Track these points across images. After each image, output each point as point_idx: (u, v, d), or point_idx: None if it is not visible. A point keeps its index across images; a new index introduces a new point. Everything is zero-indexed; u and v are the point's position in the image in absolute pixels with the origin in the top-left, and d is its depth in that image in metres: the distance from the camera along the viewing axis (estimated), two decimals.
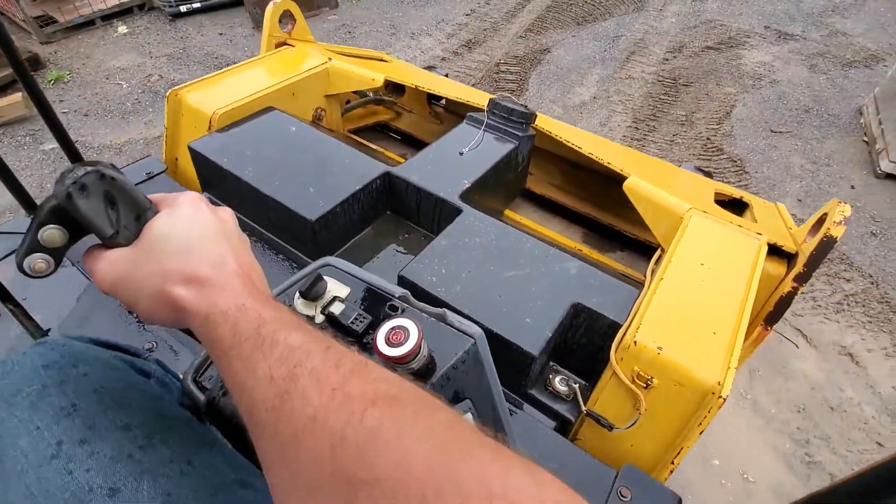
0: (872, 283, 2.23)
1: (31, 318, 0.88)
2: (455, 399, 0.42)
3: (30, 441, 0.35)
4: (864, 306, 2.13)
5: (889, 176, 2.74)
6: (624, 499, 0.65)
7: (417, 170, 1.07)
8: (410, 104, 1.77)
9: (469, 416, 0.43)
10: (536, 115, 1.25)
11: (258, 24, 3.44)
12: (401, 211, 1.11)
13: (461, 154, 1.14)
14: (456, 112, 1.74)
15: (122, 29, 3.64)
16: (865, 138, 2.98)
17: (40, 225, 0.34)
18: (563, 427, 0.80)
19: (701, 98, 3.27)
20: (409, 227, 1.10)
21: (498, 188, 1.20)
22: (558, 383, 0.82)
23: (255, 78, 1.24)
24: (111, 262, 0.34)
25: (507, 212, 1.34)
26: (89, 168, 0.33)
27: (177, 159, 1.20)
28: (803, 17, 4.26)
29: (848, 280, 2.21)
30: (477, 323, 0.76)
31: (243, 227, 1.00)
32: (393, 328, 0.37)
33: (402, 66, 1.71)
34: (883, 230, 2.52)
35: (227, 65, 3.12)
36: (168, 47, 3.47)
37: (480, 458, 0.21)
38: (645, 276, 0.96)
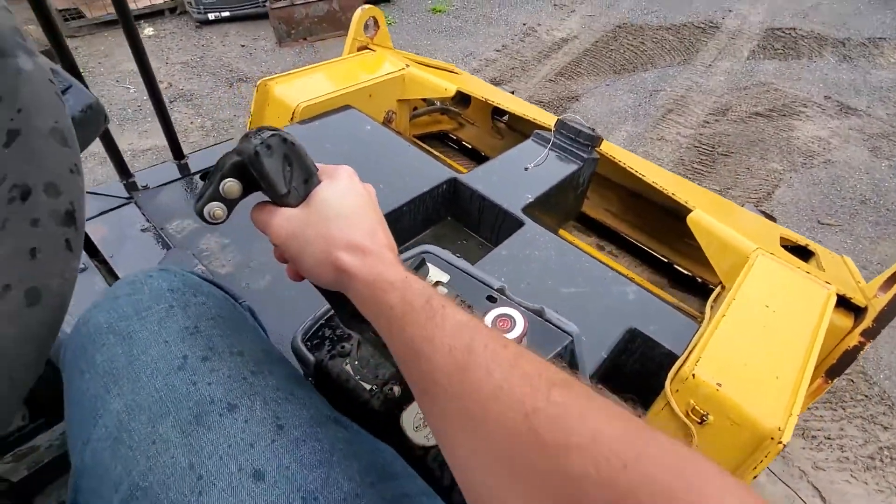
0: None
1: (115, 276, 0.95)
2: None
3: (159, 352, 0.39)
4: None
5: None
6: None
7: (483, 179, 1.09)
8: (474, 116, 1.81)
9: None
10: (603, 140, 1.26)
11: (281, 39, 3.44)
12: (461, 217, 1.13)
13: (526, 169, 1.16)
14: (517, 129, 1.76)
15: (149, 31, 3.63)
16: None
17: (223, 177, 0.37)
18: None
19: (740, 172, 2.81)
20: (468, 234, 1.13)
21: (557, 207, 1.21)
22: None
23: (337, 77, 1.31)
24: (286, 219, 0.37)
25: (562, 232, 1.34)
26: (273, 131, 0.37)
27: None
28: (870, 90, 3.65)
29: (886, 427, 1.82)
30: None
31: None
32: (500, 315, 0.39)
33: (470, 80, 1.76)
34: None
35: (241, 79, 3.17)
36: (186, 54, 3.41)
37: (663, 440, 0.22)
38: (699, 313, 0.95)
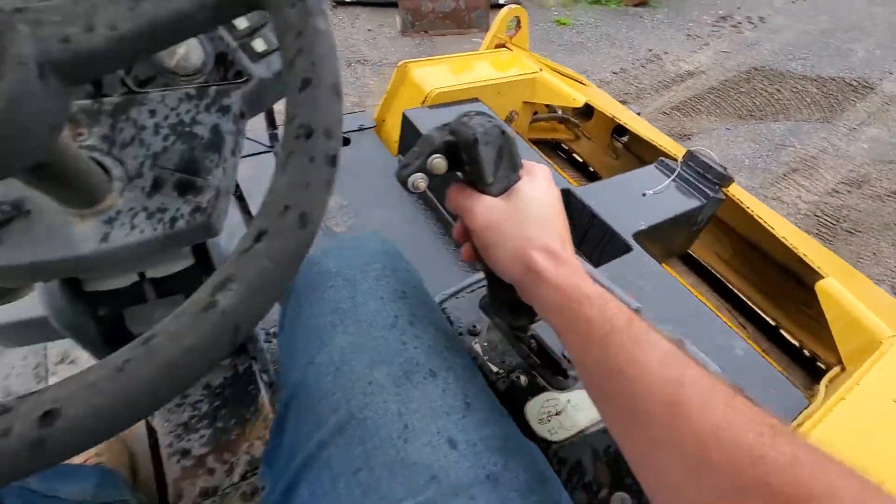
0: None
1: (249, 213, 1.06)
2: None
3: (376, 306, 0.44)
4: None
5: None
6: None
7: (597, 196, 1.07)
8: (592, 131, 1.77)
9: None
10: (733, 180, 1.18)
11: (405, 29, 3.51)
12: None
13: (644, 195, 1.11)
14: (634, 152, 1.69)
15: None
16: None
17: (433, 152, 0.38)
18: None
19: (864, 256, 2.47)
20: None
21: (667, 240, 1.16)
22: None
23: (472, 70, 1.34)
24: (488, 208, 0.38)
25: (665, 265, 1.28)
26: (492, 121, 0.39)
27: (384, 121, 1.35)
28: None
29: None
30: None
31: (431, 204, 1.11)
32: None
33: (599, 94, 1.72)
34: None
35: (359, 60, 3.25)
36: None
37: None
38: (806, 390, 0.86)
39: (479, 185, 0.39)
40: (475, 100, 1.28)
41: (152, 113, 0.38)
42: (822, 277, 0.99)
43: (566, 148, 1.78)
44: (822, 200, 2.68)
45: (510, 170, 0.39)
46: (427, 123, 1.15)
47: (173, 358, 0.19)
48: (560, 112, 1.70)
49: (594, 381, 0.33)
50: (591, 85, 1.75)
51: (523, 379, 0.46)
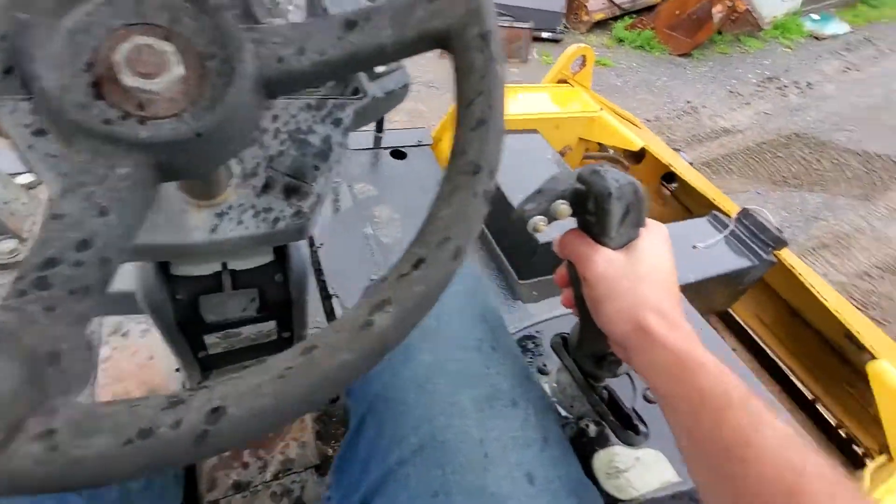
0: None
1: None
2: None
3: (461, 327, 0.44)
4: None
5: None
6: None
7: None
8: (641, 175, 1.76)
9: None
10: (787, 244, 1.16)
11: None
12: None
13: (694, 247, 1.10)
14: (682, 201, 1.68)
15: None
16: None
17: (559, 197, 0.38)
18: None
19: None
20: None
21: (711, 296, 1.14)
22: None
23: (534, 102, 1.36)
24: (607, 260, 0.38)
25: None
26: (628, 178, 0.39)
27: (441, 140, 1.37)
28: None
29: None
30: None
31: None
32: None
33: (652, 137, 1.71)
34: None
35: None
36: None
37: None
38: (856, 477, 0.82)
39: (599, 236, 0.38)
40: (534, 131, 1.29)
41: (275, 118, 0.40)
42: (872, 357, 0.96)
43: None
44: (850, 282, 2.57)
45: (633, 226, 0.39)
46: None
47: (331, 370, 0.20)
48: (612, 152, 1.71)
49: (702, 456, 0.31)
50: (645, 129, 1.75)
51: (592, 428, 0.45)
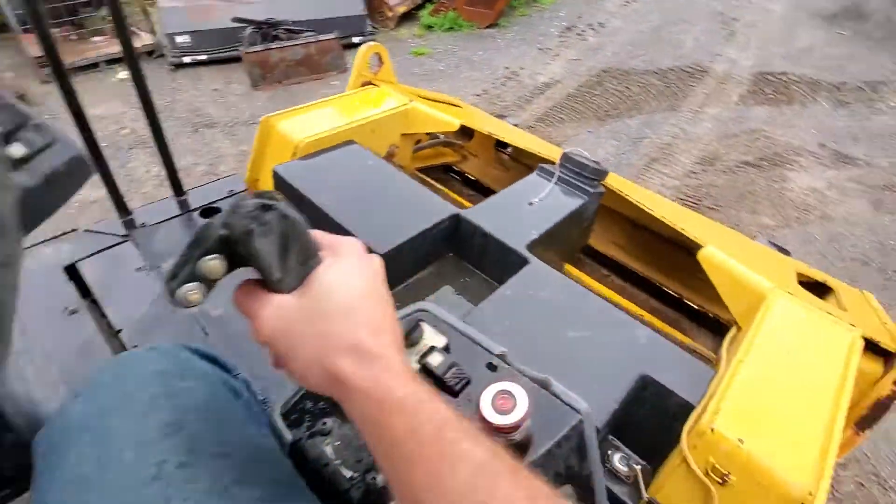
0: None
1: (105, 318, 0.92)
2: (555, 483, 0.39)
3: (135, 457, 0.35)
4: None
5: None
6: None
7: (486, 215, 1.07)
8: (477, 149, 1.81)
9: None
10: (608, 173, 1.24)
11: (255, 83, 3.34)
12: (463, 254, 1.10)
13: (531, 204, 1.13)
14: (520, 161, 1.76)
15: (122, 75, 3.41)
16: None
17: (204, 253, 0.32)
18: None
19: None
20: (471, 270, 1.09)
21: (563, 243, 1.18)
22: (618, 462, 0.76)
23: (340, 112, 1.31)
24: (277, 309, 0.32)
25: (568, 267, 1.31)
26: (270, 203, 0.32)
27: (258, 180, 1.26)
28: (869, 137, 3.37)
29: None
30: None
31: None
32: (500, 392, 0.35)
33: (474, 112, 1.76)
34: None
35: (207, 124, 3.02)
36: (157, 99, 3.10)
37: None
38: (714, 355, 0.90)
39: (268, 283, 0.33)
40: (350, 142, 1.24)
41: None
42: (700, 246, 1.06)
43: (457, 169, 1.80)
44: (683, 184, 2.92)
45: (303, 259, 0.33)
46: (301, 177, 1.09)
47: None
48: (442, 137, 1.72)
49: (402, 501, 0.28)
50: (466, 105, 1.79)
51: (380, 478, 0.40)
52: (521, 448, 0.37)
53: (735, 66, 4.22)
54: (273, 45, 3.31)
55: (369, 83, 1.49)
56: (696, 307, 1.33)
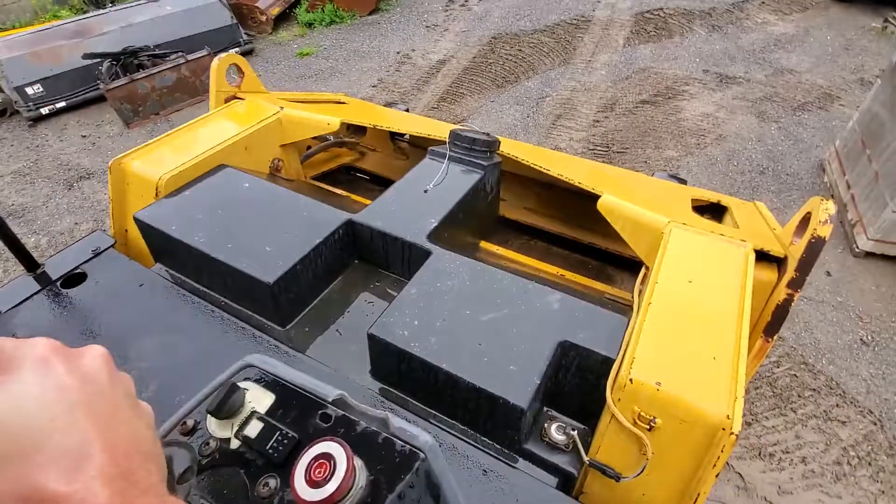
0: (876, 424, 1.58)
1: None
2: None
3: None
4: (869, 465, 1.47)
5: (869, 254, 2.17)
6: None
7: (381, 214, 1.01)
8: (373, 143, 1.73)
9: None
10: (500, 142, 1.22)
11: (127, 120, 3.06)
12: (369, 258, 1.04)
13: (425, 191, 1.08)
14: (421, 146, 1.70)
15: None
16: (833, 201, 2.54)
17: None
18: (566, 483, 0.73)
19: (638, 166, 2.75)
20: (380, 273, 1.04)
21: (469, 222, 1.15)
22: (555, 432, 0.75)
23: (204, 136, 1.19)
24: None
25: (483, 243, 1.28)
26: None
27: (126, 231, 1.13)
28: (744, 55, 3.66)
29: (843, 422, 1.60)
30: (457, 379, 0.69)
31: (202, 296, 0.93)
32: (315, 459, 0.30)
33: (360, 106, 1.68)
34: (875, 335, 1.86)
35: (83, 177, 2.77)
36: (18, 161, 2.84)
37: None
38: (633, 297, 0.91)
39: None
40: (221, 166, 1.13)
41: None
42: (600, 196, 1.06)
43: (359, 168, 1.72)
44: (589, 134, 3.03)
45: None
46: (168, 218, 0.97)
47: None
48: (332, 138, 1.63)
49: None
50: (350, 100, 1.70)
51: None
52: None
53: (615, 10, 4.38)
54: (138, 76, 3.01)
55: (234, 98, 1.37)
56: (614, 253, 1.35)
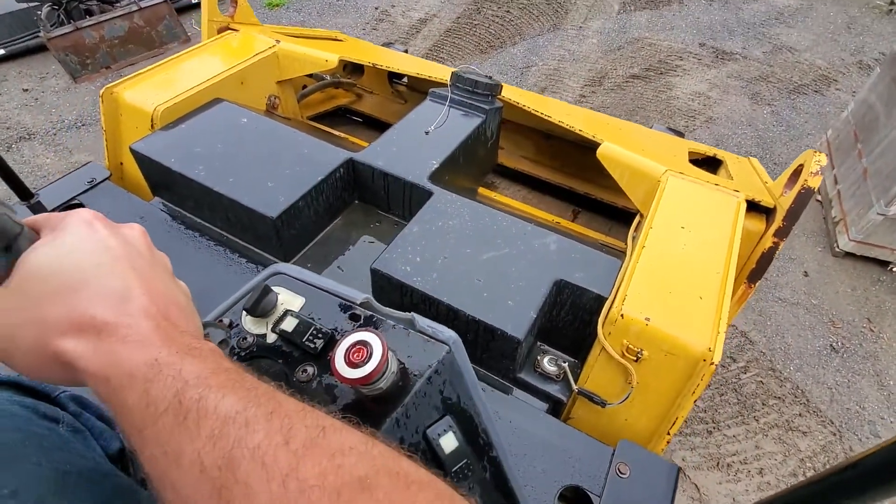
0: (835, 435, 1.57)
1: None
2: (435, 416, 0.38)
3: None
4: None
5: (849, 255, 2.11)
6: (623, 475, 0.64)
7: (382, 154, 1.01)
8: (371, 85, 1.69)
9: (451, 434, 0.39)
10: (502, 86, 1.20)
11: (74, 73, 2.75)
12: (369, 199, 1.05)
13: (427, 133, 1.08)
14: (420, 90, 1.66)
15: None
16: (819, 197, 2.38)
17: None
18: (556, 408, 0.78)
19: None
20: (380, 214, 1.05)
21: (468, 166, 1.15)
22: (547, 364, 0.80)
23: (199, 68, 1.15)
24: None
25: (482, 189, 1.29)
26: None
27: (122, 164, 1.11)
28: (744, 28, 3.50)
29: (804, 433, 1.58)
30: (458, 311, 0.73)
31: (202, 231, 0.94)
32: (353, 345, 0.33)
33: (358, 45, 1.62)
34: (845, 340, 1.81)
35: (23, 137, 2.48)
36: None
37: None
38: (626, 244, 0.94)
39: None
40: (217, 100, 1.10)
41: None
42: (600, 144, 1.07)
43: (355, 110, 1.68)
44: (579, 107, 2.90)
45: (4, 244, 0.29)
46: (166, 150, 0.96)
47: None
48: (328, 78, 1.58)
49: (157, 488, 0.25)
50: (347, 38, 1.64)
51: None
52: (396, 393, 0.36)
53: None
54: (84, 23, 2.67)
55: (227, 28, 1.31)
56: (609, 203, 1.37)
